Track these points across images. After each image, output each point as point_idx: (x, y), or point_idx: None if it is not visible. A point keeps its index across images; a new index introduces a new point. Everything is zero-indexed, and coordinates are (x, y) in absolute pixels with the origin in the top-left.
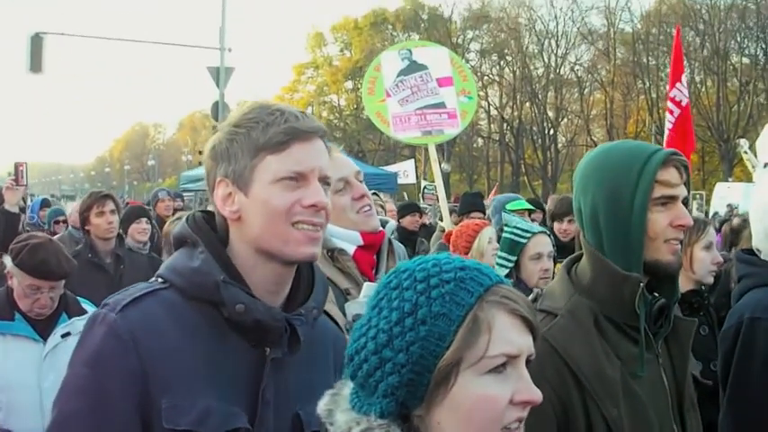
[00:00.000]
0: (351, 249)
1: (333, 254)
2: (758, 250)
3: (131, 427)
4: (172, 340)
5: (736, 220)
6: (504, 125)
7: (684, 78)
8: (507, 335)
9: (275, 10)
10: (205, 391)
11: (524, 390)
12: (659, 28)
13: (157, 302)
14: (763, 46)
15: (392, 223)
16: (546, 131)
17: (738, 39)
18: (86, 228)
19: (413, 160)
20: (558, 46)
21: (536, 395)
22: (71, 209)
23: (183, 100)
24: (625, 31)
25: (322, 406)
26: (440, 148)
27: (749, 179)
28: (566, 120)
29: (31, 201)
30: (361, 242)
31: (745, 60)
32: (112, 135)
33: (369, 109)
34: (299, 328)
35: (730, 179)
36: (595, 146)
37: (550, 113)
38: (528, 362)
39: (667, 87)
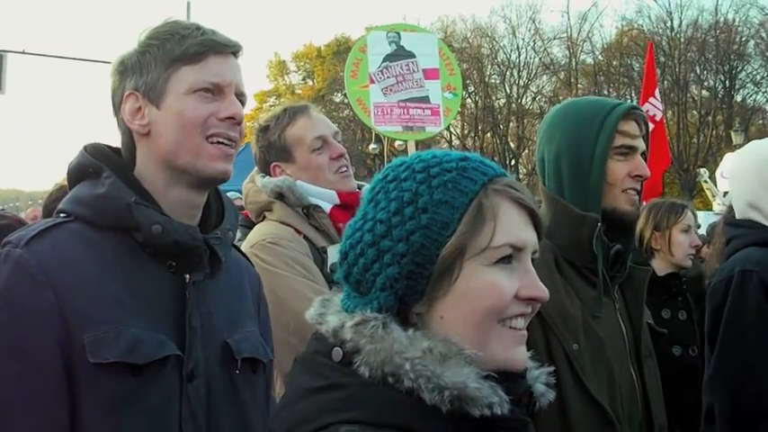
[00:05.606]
0: (327, 208)
1: (308, 211)
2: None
3: (53, 371)
4: (88, 270)
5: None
6: None
7: (658, 92)
8: (512, 225)
9: (238, 37)
10: (130, 320)
11: (531, 285)
12: (620, 60)
13: (66, 234)
14: (722, 78)
15: (369, 186)
16: (507, 161)
17: (698, 71)
18: None
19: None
20: (519, 76)
21: (543, 292)
22: (25, 214)
23: None
24: (586, 62)
25: (312, 311)
26: None
27: (708, 208)
28: (527, 150)
29: None
30: (338, 201)
31: (705, 93)
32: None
33: (350, 94)
34: (218, 248)
35: None
36: None
37: (512, 144)
38: (533, 260)
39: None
